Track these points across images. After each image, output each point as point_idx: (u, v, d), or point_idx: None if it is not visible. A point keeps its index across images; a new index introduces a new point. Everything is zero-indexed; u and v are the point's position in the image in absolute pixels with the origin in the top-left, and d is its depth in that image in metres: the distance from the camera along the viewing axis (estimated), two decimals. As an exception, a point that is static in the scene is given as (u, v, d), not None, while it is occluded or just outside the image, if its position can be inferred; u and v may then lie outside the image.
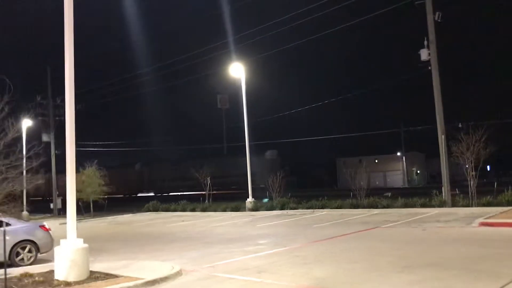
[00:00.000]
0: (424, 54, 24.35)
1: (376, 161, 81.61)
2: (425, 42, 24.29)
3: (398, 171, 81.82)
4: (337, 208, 25.56)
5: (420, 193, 25.71)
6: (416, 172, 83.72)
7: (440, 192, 23.60)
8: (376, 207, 24.15)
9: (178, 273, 10.16)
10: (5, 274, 9.30)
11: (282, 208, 27.44)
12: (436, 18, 24.14)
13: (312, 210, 25.80)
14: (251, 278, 9.57)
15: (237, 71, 30.46)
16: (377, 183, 76.29)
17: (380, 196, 26.85)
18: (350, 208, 25.03)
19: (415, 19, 25.64)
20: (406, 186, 73.89)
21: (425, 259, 10.55)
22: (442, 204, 22.31)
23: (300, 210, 26.25)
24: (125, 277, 9.81)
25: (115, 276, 9.92)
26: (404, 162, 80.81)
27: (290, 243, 14.23)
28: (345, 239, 14.65)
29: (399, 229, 16.42)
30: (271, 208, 27.90)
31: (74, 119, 10.68)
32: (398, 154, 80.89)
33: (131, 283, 9.23)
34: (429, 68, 24.28)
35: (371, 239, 14.40)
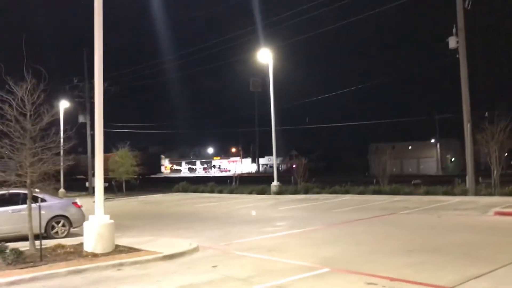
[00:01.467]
0: (452, 42, 24.17)
1: (410, 147, 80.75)
2: (454, 30, 24.08)
3: (432, 158, 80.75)
4: (360, 193, 25.96)
5: (451, 181, 25.60)
6: (451, 159, 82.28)
7: (464, 181, 23.67)
8: (398, 194, 24.43)
9: (195, 249, 11.00)
10: (41, 244, 10.31)
11: (306, 193, 28.06)
12: (466, 6, 23.89)
13: (335, 195, 26.33)
14: (261, 256, 10.30)
15: (265, 57, 30.94)
16: (410, 169, 75.66)
17: (408, 183, 27.08)
18: (373, 194, 25.40)
19: (449, 5, 25.29)
20: (440, 173, 72.89)
21: (430, 244, 11.02)
22: (464, 193, 22.39)
23: (323, 195, 26.79)
24: (146, 251, 10.72)
25: (138, 250, 10.84)
26: (439, 149, 79.64)
27: (306, 226, 14.86)
28: (360, 224, 15.18)
29: (415, 216, 16.81)
30: (295, 192, 28.54)
31: (103, 102, 11.60)
32: (432, 140, 79.73)
33: (150, 257, 10.14)
34: (457, 56, 24.11)
35: (384, 224, 14.88)
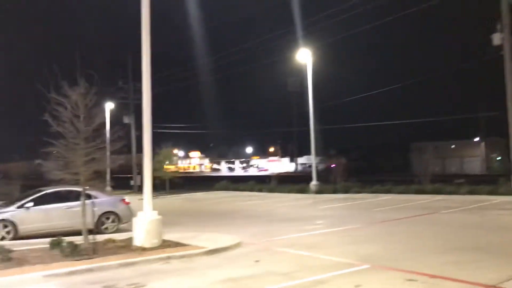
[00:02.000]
0: (496, 39, 23.65)
1: (453, 146, 78.75)
2: (498, 26, 23.56)
3: (475, 157, 78.39)
4: (401, 193, 25.80)
5: (495, 181, 25.03)
6: (496, 158, 79.60)
7: (510, 180, 23.13)
8: (441, 193, 24.13)
9: (238, 245, 11.42)
10: (94, 239, 11.00)
11: (345, 192, 28.09)
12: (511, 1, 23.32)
13: (375, 194, 26.25)
14: (301, 252, 10.61)
15: (303, 56, 31.13)
16: (453, 169, 73.82)
17: (450, 183, 26.67)
18: (415, 193, 25.19)
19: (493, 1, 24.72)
20: (484, 173, 70.69)
21: (471, 243, 11.02)
22: (509, 192, 21.89)
23: (363, 194, 26.76)
24: (192, 246, 11.23)
25: (183, 245, 11.37)
26: (483, 148, 77.26)
27: (345, 225, 15.04)
28: (400, 223, 15.21)
29: (457, 215, 16.66)
30: (334, 191, 28.61)
31: (151, 103, 12.22)
32: (477, 139, 77.41)
33: (195, 251, 10.63)
34: (501, 53, 23.57)
35: (425, 223, 14.86)
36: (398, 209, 19.10)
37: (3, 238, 13.25)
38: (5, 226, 13.49)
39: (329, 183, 30.99)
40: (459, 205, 19.16)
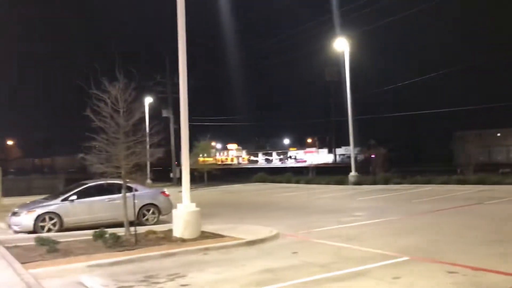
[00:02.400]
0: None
1: (499, 134, 76.03)
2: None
3: (524, 145, 75.43)
4: (442, 183, 25.19)
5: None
6: (547, 146, 76.18)
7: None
8: (485, 183, 23.40)
9: (275, 236, 11.47)
10: (135, 230, 11.30)
11: (385, 183, 27.66)
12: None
13: (416, 185, 25.73)
14: (339, 244, 10.54)
15: (340, 45, 30.71)
16: (498, 158, 71.31)
17: (495, 172, 25.85)
18: (457, 184, 24.56)
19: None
20: (534, 162, 67.86)
21: (517, 235, 10.65)
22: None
23: (403, 185, 26.28)
24: (230, 237, 11.37)
25: (222, 236, 11.52)
26: (533, 136, 74.15)
27: (384, 216, 14.83)
28: (442, 214, 14.86)
29: (501, 206, 16.12)
30: (374, 182, 28.21)
31: (187, 98, 12.38)
32: (525, 127, 74.30)
33: (234, 242, 10.75)
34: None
35: (467, 214, 14.46)
36: (439, 200, 18.67)
37: (49, 230, 13.79)
38: (51, 219, 14.02)
39: (369, 174, 30.59)
40: (505, 196, 18.55)
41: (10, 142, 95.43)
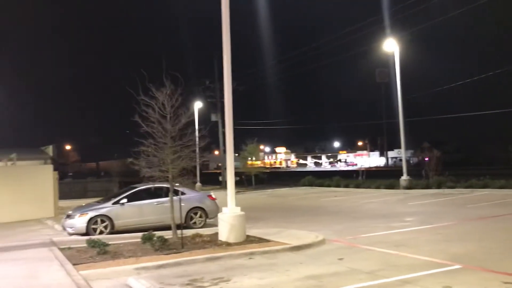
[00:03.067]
0: None
1: None
2: None
3: None
4: (500, 188, 23.97)
5: None
6: None
7: None
8: (547, 188, 22.08)
9: (321, 242, 11.29)
10: (182, 234, 11.47)
11: (438, 187, 26.67)
12: None
13: (471, 189, 24.66)
14: (387, 251, 10.23)
15: (390, 46, 29.98)
16: None
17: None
18: (516, 188, 23.28)
19: None
20: None
21: None
22: None
23: (458, 190, 25.26)
24: (275, 242, 11.30)
25: (267, 241, 11.48)
26: None
27: (436, 222, 14.29)
28: (498, 220, 14.14)
29: None
30: (426, 186, 27.29)
31: (232, 103, 12.45)
32: None
33: (279, 247, 10.68)
34: None
35: (527, 221, 13.69)
36: (495, 205, 17.77)
37: (101, 232, 14.25)
38: (103, 221, 14.49)
39: (421, 177, 29.61)
40: None
41: (68, 147, 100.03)
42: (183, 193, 14.51)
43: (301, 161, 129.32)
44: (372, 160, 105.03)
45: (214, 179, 45.57)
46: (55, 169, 22.66)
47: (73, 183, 37.11)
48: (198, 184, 37.14)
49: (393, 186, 29.15)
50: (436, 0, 30.55)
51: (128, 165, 13.23)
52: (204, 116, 43.23)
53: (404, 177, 28.61)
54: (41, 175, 21.15)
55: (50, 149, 42.72)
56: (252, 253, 10.34)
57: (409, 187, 27.79)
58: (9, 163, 30.76)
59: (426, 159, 33.60)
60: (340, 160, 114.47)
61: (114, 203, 14.87)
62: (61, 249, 11.22)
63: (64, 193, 30.47)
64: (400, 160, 44.94)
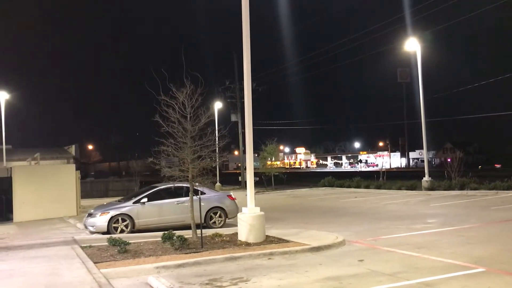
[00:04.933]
0: None
1: None
2: None
3: None
4: (525, 189, 23.46)
5: None
6: None
7: None
8: None
9: (341, 243, 11.19)
10: (201, 233, 11.50)
11: (461, 188, 26.22)
12: None
13: (495, 191, 24.17)
14: (408, 253, 10.09)
15: (412, 45, 29.59)
16: None
17: None
18: (542, 190, 22.75)
19: None
20: None
21: None
22: None
23: (481, 191, 24.79)
24: (294, 242, 11.25)
25: (286, 241, 11.43)
26: None
27: (459, 224, 14.04)
28: (523, 223, 13.82)
29: None
30: (449, 188, 26.85)
31: (251, 103, 12.44)
32: None
33: (298, 248, 10.62)
34: None
35: (554, 224, 13.34)
36: (521, 208, 17.39)
37: (122, 231, 14.41)
38: (124, 220, 14.63)
39: (444, 178, 29.13)
40: None
41: (90, 147, 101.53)
42: (203, 193, 14.56)
43: (321, 162, 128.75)
44: (393, 160, 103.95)
45: (233, 179, 45.65)
46: (77, 169, 23.00)
47: (94, 182, 37.60)
48: (218, 184, 37.23)
49: (415, 187, 28.77)
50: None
51: (148, 164, 13.29)
52: (224, 116, 43.39)
53: (426, 178, 28.21)
54: (64, 174, 21.49)
55: (73, 149, 43.34)
56: (271, 254, 10.31)
57: (431, 188, 27.40)
58: (33, 162, 31.42)
59: (449, 160, 33.08)
60: (360, 161, 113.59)
61: (135, 202, 15.01)
62: (83, 247, 11.38)
63: (86, 192, 30.96)
64: (422, 161, 44.40)
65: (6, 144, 33.77)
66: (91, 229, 14.73)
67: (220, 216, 15.68)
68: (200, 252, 10.53)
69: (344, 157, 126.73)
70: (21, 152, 38.47)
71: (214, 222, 15.51)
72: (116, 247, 10.73)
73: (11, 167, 21.71)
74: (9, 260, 10.40)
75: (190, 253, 10.45)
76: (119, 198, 18.05)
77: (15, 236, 14.99)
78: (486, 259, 9.10)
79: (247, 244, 11.23)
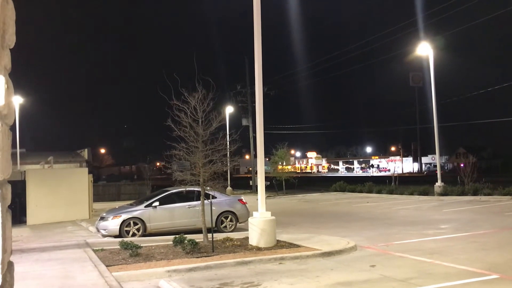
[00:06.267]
0: None
1: None
2: None
3: None
4: (540, 195, 23.15)
5: None
6: None
7: None
8: None
9: (353, 248, 11.13)
10: (212, 237, 11.52)
11: (474, 194, 25.97)
12: None
13: (509, 196, 23.89)
14: (421, 258, 10.00)
15: (425, 49, 29.42)
16: None
17: None
18: (558, 196, 22.43)
19: None
20: None
21: None
22: None
23: (495, 197, 24.53)
24: (306, 247, 11.21)
25: (297, 246, 11.40)
26: None
27: (472, 229, 13.89)
28: (538, 229, 13.63)
29: None
30: (462, 193, 26.59)
31: (263, 108, 12.45)
32: None
33: (309, 253, 10.58)
34: None
35: None
36: (536, 214, 17.15)
37: (134, 235, 14.47)
38: (135, 224, 14.70)
39: (456, 184, 28.85)
40: None
41: (102, 150, 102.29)
42: (214, 197, 14.56)
43: (333, 166, 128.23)
44: (405, 165, 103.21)
45: (244, 183, 45.64)
46: (89, 172, 23.18)
47: (107, 186, 37.84)
48: (229, 188, 37.26)
49: (427, 192, 28.53)
50: (475, 2, 29.76)
51: (160, 168, 13.36)
52: (235, 120, 43.44)
53: (439, 183, 27.96)
54: (77, 177, 21.67)
55: (85, 153, 43.68)
56: (282, 258, 10.28)
57: (443, 193, 27.15)
58: (46, 165, 31.74)
59: (462, 165, 32.75)
60: (372, 166, 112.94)
61: (146, 206, 15.07)
62: (95, 250, 11.45)
63: (98, 195, 31.17)
64: (434, 166, 43.99)
65: (19, 147, 34.17)
66: (103, 232, 14.81)
67: (231, 220, 15.69)
68: (211, 256, 10.54)
69: (355, 162, 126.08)
70: (35, 155, 38.90)
71: (225, 226, 15.51)
72: (127, 250, 10.79)
73: (24, 171, 21.95)
74: (22, 263, 10.50)
75: (201, 257, 10.46)
76: (131, 201, 18.14)
77: (29, 239, 15.14)
78: (500, 265, 8.99)
79: (258, 249, 11.21)
